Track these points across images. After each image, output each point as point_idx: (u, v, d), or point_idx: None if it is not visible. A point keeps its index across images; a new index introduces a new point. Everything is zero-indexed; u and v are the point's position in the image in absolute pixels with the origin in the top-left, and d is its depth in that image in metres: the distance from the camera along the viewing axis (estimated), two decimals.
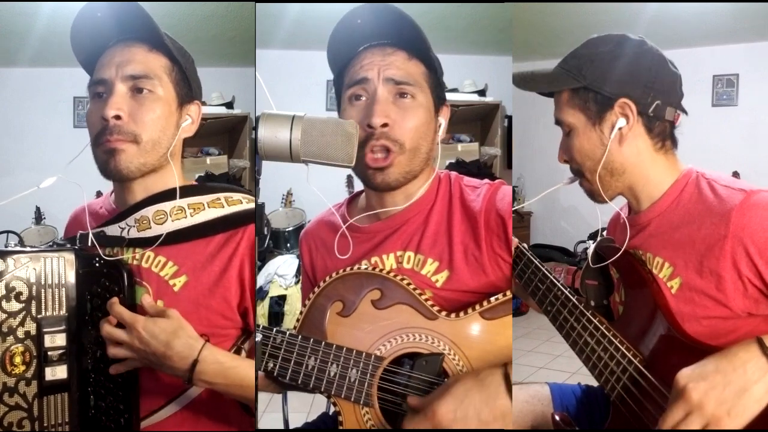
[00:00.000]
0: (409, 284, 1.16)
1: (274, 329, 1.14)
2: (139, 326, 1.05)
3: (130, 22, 1.19)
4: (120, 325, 1.08)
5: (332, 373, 1.13)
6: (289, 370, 1.13)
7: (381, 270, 1.19)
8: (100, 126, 1.16)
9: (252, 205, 1.22)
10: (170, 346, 1.05)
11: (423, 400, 1.07)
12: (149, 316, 1.08)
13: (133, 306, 1.12)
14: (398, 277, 1.16)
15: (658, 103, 1.13)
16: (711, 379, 0.92)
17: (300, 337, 1.14)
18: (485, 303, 1.14)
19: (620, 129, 1.14)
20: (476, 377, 1.05)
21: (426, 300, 1.15)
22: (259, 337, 1.14)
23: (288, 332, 1.14)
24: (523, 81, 1.22)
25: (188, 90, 1.25)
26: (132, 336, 1.05)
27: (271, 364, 1.14)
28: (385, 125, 1.16)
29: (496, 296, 1.14)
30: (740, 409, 0.90)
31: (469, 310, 1.13)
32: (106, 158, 1.16)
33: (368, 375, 1.12)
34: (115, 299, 1.09)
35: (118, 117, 1.15)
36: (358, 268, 1.18)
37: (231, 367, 1.09)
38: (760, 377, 0.91)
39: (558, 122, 1.21)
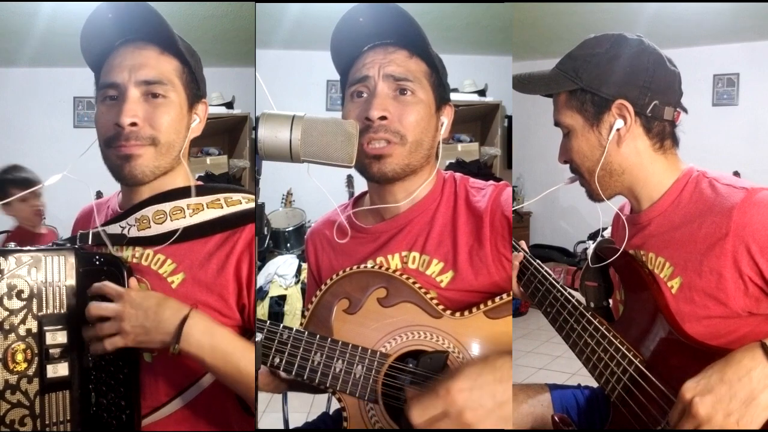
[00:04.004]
0: (414, 283, 1.16)
1: (281, 325, 1.15)
2: (131, 292, 1.07)
3: (142, 23, 1.18)
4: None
5: (338, 369, 1.13)
6: (295, 366, 1.14)
7: (387, 269, 1.19)
8: (114, 131, 1.16)
9: (251, 205, 1.22)
10: (162, 305, 1.06)
11: (429, 386, 1.03)
12: None
13: None
14: (404, 276, 1.17)
15: (656, 103, 1.12)
16: (717, 391, 0.91)
17: (306, 333, 1.14)
18: (489, 302, 1.14)
19: (618, 130, 1.13)
20: (485, 360, 1.02)
21: (431, 299, 1.15)
22: (260, 336, 1.14)
23: (294, 328, 1.15)
24: (520, 84, 1.22)
25: (197, 90, 1.25)
26: (123, 302, 1.05)
27: (277, 360, 1.14)
28: (383, 118, 1.17)
29: (500, 296, 1.14)
30: (749, 418, 0.90)
31: (474, 309, 1.14)
32: (121, 163, 1.17)
33: (373, 371, 1.13)
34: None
35: (133, 124, 1.15)
36: (365, 267, 1.19)
37: (218, 328, 1.09)
38: (766, 384, 0.90)
39: (557, 124, 1.21)
